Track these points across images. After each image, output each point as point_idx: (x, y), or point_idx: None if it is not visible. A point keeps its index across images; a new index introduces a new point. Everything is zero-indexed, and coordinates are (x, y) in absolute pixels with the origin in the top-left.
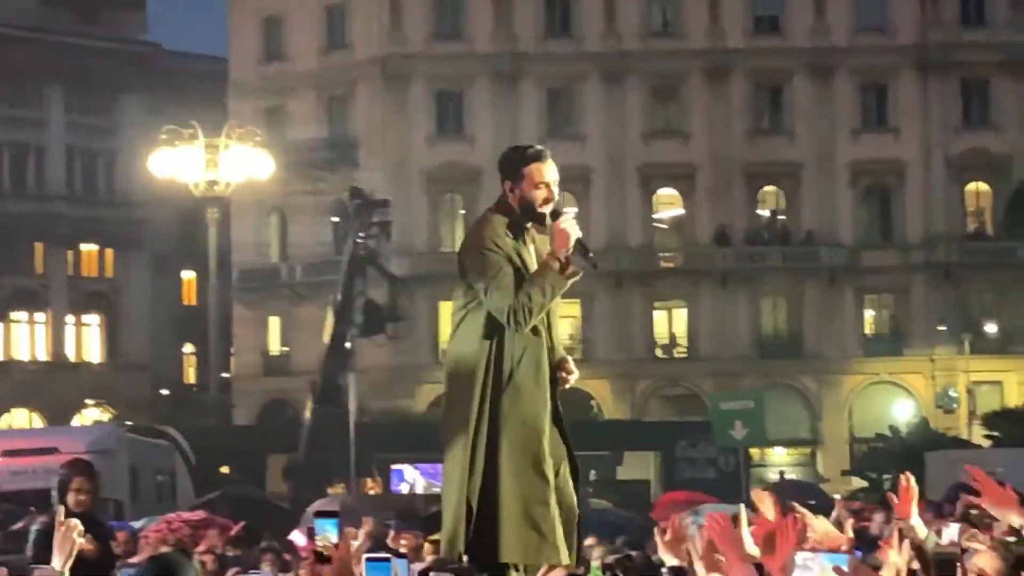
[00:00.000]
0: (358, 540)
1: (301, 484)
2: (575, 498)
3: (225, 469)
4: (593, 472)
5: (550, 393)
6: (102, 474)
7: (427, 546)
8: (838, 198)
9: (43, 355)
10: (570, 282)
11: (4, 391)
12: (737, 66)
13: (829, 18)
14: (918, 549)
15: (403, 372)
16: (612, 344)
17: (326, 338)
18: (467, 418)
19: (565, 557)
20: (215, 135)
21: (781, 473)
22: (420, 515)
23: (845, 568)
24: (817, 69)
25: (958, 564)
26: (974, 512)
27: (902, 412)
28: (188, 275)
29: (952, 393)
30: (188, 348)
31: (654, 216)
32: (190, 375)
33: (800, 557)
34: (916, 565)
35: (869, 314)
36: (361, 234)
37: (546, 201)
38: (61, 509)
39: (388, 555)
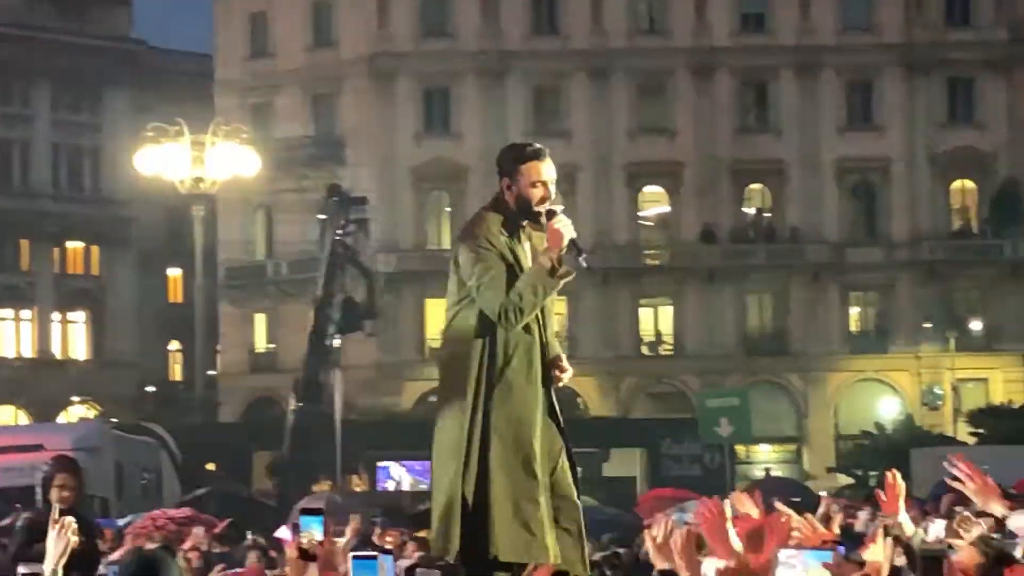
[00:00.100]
0: (344, 537)
1: (286, 481)
2: (575, 491)
3: (211, 466)
4: (579, 469)
5: (545, 390)
6: (88, 471)
7: (410, 545)
8: (824, 196)
9: (29, 352)
10: (562, 282)
11: None
12: (723, 64)
13: (815, 16)
14: (906, 546)
15: (389, 369)
16: (598, 341)
17: (307, 336)
18: (460, 415)
19: (554, 556)
20: (201, 132)
21: (767, 470)
22: (406, 512)
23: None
24: (803, 67)
25: (945, 561)
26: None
27: (887, 409)
28: (174, 272)
29: (937, 390)
30: (174, 345)
31: (640, 213)
32: (176, 372)
33: (784, 555)
34: (900, 561)
35: (855, 311)
36: (339, 231)
37: (542, 200)
38: (56, 508)
39: (374, 552)
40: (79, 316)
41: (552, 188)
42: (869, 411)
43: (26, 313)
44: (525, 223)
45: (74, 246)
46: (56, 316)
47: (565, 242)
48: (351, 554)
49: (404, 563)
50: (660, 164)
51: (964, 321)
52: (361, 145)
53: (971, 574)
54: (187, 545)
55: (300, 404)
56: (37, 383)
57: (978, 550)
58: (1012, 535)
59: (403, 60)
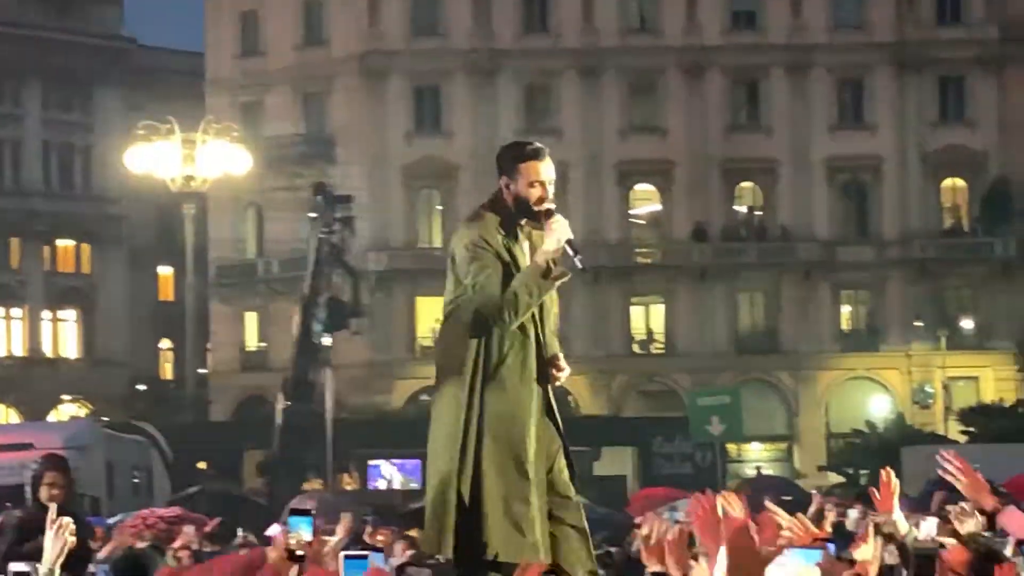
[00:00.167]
0: (336, 536)
1: (276, 480)
2: (572, 490)
3: (202, 465)
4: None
5: (543, 389)
6: (78, 470)
7: (398, 545)
8: (814, 194)
9: (19, 350)
10: (557, 283)
11: None
12: (714, 62)
13: (806, 15)
14: (899, 544)
15: (380, 368)
16: (589, 339)
17: (294, 335)
18: (453, 413)
19: (545, 556)
20: (192, 130)
21: (758, 468)
22: (397, 511)
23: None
24: (794, 66)
25: (937, 559)
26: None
27: (878, 408)
28: (165, 271)
29: (928, 389)
30: (165, 344)
31: (631, 212)
32: (167, 371)
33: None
34: (893, 560)
35: (846, 310)
36: (324, 229)
37: (540, 200)
38: (54, 508)
39: (366, 552)
40: (70, 314)
41: (551, 188)
42: (860, 409)
43: (16, 311)
44: (524, 222)
45: (65, 244)
46: (47, 314)
47: (561, 243)
48: (342, 553)
49: (395, 561)
50: (651, 162)
51: (955, 319)
52: (352, 143)
53: (960, 571)
54: (177, 544)
55: (289, 403)
56: (27, 381)
57: (967, 547)
58: (1003, 533)
59: (394, 58)
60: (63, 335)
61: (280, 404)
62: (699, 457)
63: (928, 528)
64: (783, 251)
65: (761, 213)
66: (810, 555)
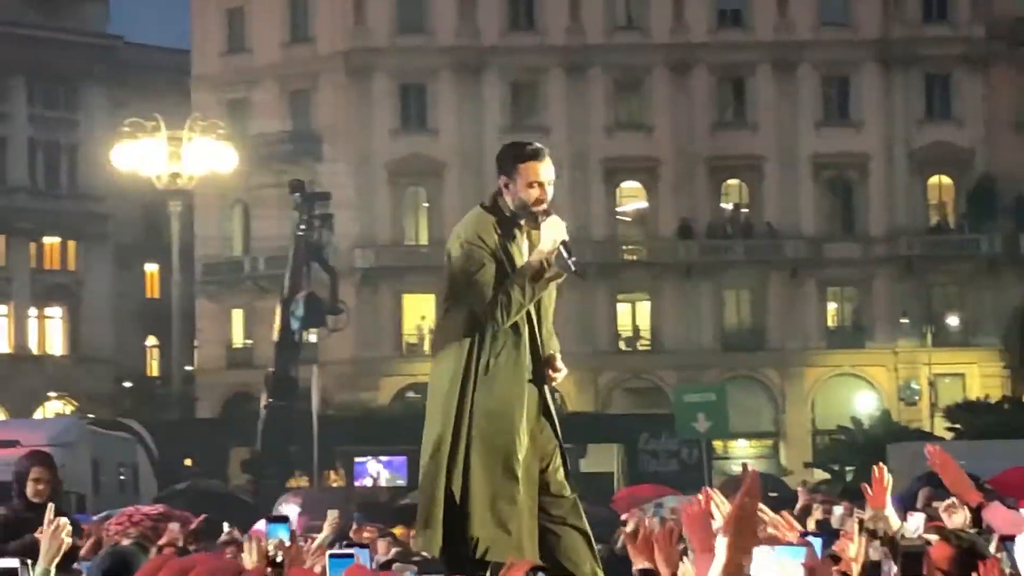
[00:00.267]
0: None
1: (261, 477)
2: (568, 488)
3: (188, 462)
4: None
5: (539, 389)
6: (64, 467)
7: (381, 543)
8: (801, 191)
9: (5, 348)
10: (550, 283)
11: None
12: (700, 60)
13: (792, 12)
14: (891, 540)
15: (366, 365)
16: (575, 337)
17: (275, 332)
18: (445, 411)
19: (531, 555)
20: (178, 128)
21: (744, 465)
22: (383, 508)
23: (804, 560)
24: (780, 63)
25: (924, 557)
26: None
27: (864, 404)
28: (151, 268)
29: (914, 385)
30: (151, 341)
31: (617, 209)
32: (153, 368)
33: (758, 551)
34: (874, 556)
35: (832, 307)
36: (302, 227)
37: (539, 200)
38: (51, 507)
39: (351, 551)
40: (56, 311)
41: (550, 188)
42: (846, 406)
43: (2, 308)
44: (523, 222)
45: (51, 241)
46: (33, 311)
47: (556, 243)
48: (328, 552)
49: (380, 559)
50: (637, 160)
51: (941, 316)
52: (338, 141)
53: (944, 568)
54: (163, 541)
55: (271, 400)
56: (13, 378)
57: (949, 544)
58: (989, 530)
59: (380, 56)
60: (49, 332)
61: (263, 402)
62: (685, 454)
63: (916, 522)
64: (769, 248)
65: (747, 210)
66: (795, 552)
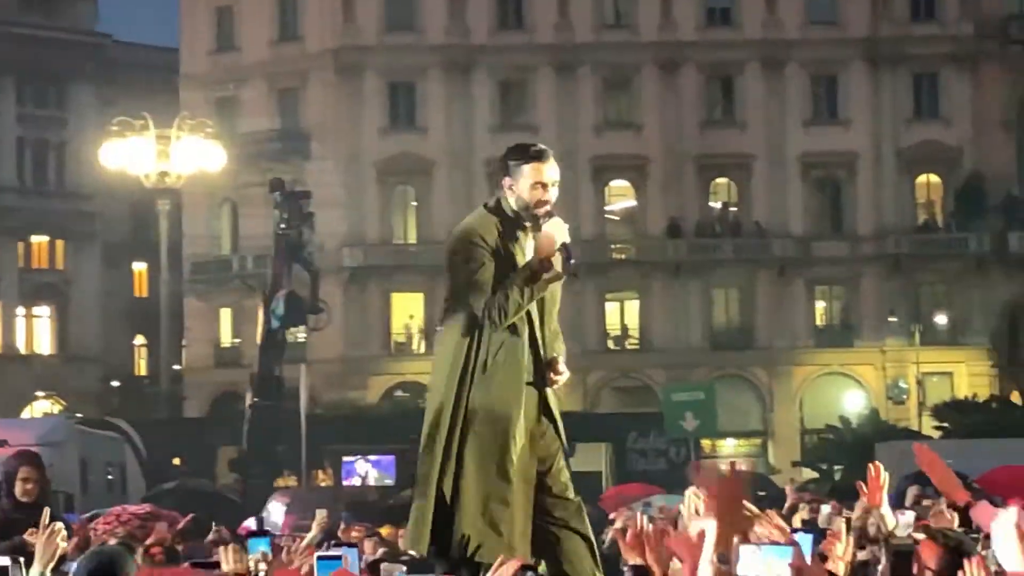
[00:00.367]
0: (311, 532)
1: (248, 476)
2: (571, 490)
3: (176, 461)
4: None
5: (540, 391)
6: (52, 467)
7: (368, 543)
8: (789, 190)
9: None
10: (548, 284)
11: None
12: (689, 58)
13: (780, 11)
14: (885, 539)
15: (355, 364)
16: (564, 335)
17: (258, 331)
18: (442, 411)
19: (522, 556)
20: (166, 126)
21: (732, 464)
22: (372, 507)
23: (791, 560)
24: (768, 61)
25: (913, 556)
26: (925, 504)
27: (852, 403)
28: (139, 267)
29: (902, 384)
30: (139, 340)
31: (606, 208)
32: (141, 367)
33: (744, 550)
34: (862, 556)
35: (820, 305)
36: (282, 226)
37: (542, 201)
38: (47, 511)
39: (339, 552)
40: (44, 310)
41: (554, 190)
42: (834, 405)
43: None
44: (527, 223)
45: (39, 240)
46: (20, 310)
47: (556, 245)
48: (316, 554)
49: (368, 558)
50: (626, 158)
51: (929, 315)
52: (326, 139)
53: (932, 567)
54: (150, 541)
55: (256, 400)
56: (1, 378)
57: (937, 542)
58: (978, 530)
59: (369, 54)
60: (37, 331)
61: (248, 401)
62: (673, 453)
63: (907, 519)
64: (758, 247)
65: (736, 209)
66: (782, 552)
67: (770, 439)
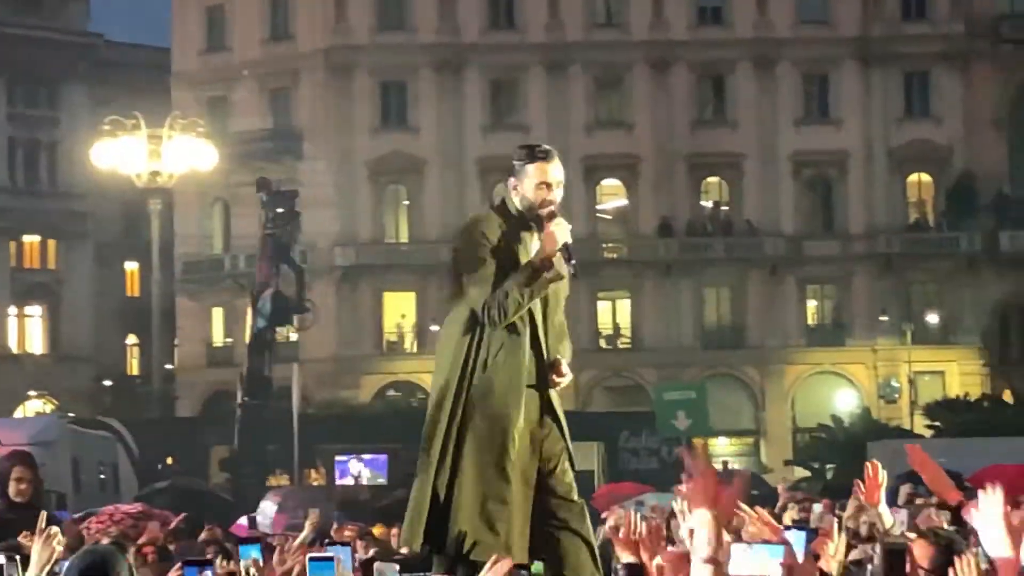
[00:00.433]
0: (303, 532)
1: (239, 476)
2: (575, 492)
3: (169, 460)
4: None
5: (542, 392)
6: (44, 466)
7: (360, 542)
8: (780, 189)
9: None
10: (549, 284)
11: None
12: (680, 57)
13: (772, 10)
14: (880, 537)
15: (347, 363)
16: None
17: (247, 331)
18: (442, 409)
19: (518, 556)
20: (158, 126)
21: (724, 463)
22: (365, 507)
23: (782, 559)
24: (760, 60)
25: (907, 554)
26: (918, 502)
27: (844, 402)
28: (131, 266)
29: (894, 383)
30: (131, 339)
31: (597, 207)
32: (133, 367)
33: (736, 548)
34: (855, 555)
35: (811, 304)
36: (268, 225)
37: (546, 202)
38: (43, 515)
39: (331, 555)
40: (35, 310)
41: (559, 190)
42: (826, 404)
43: None
44: (531, 223)
45: (31, 240)
46: (12, 310)
47: (558, 246)
48: (308, 555)
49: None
50: (617, 157)
51: (921, 314)
52: (318, 138)
53: (925, 565)
54: (143, 540)
55: (246, 399)
56: None
57: (928, 541)
58: (969, 528)
59: (360, 53)
60: (29, 331)
61: (238, 400)
62: (665, 452)
63: (901, 517)
64: (749, 246)
65: (727, 208)
66: (773, 551)
67: (762, 438)
